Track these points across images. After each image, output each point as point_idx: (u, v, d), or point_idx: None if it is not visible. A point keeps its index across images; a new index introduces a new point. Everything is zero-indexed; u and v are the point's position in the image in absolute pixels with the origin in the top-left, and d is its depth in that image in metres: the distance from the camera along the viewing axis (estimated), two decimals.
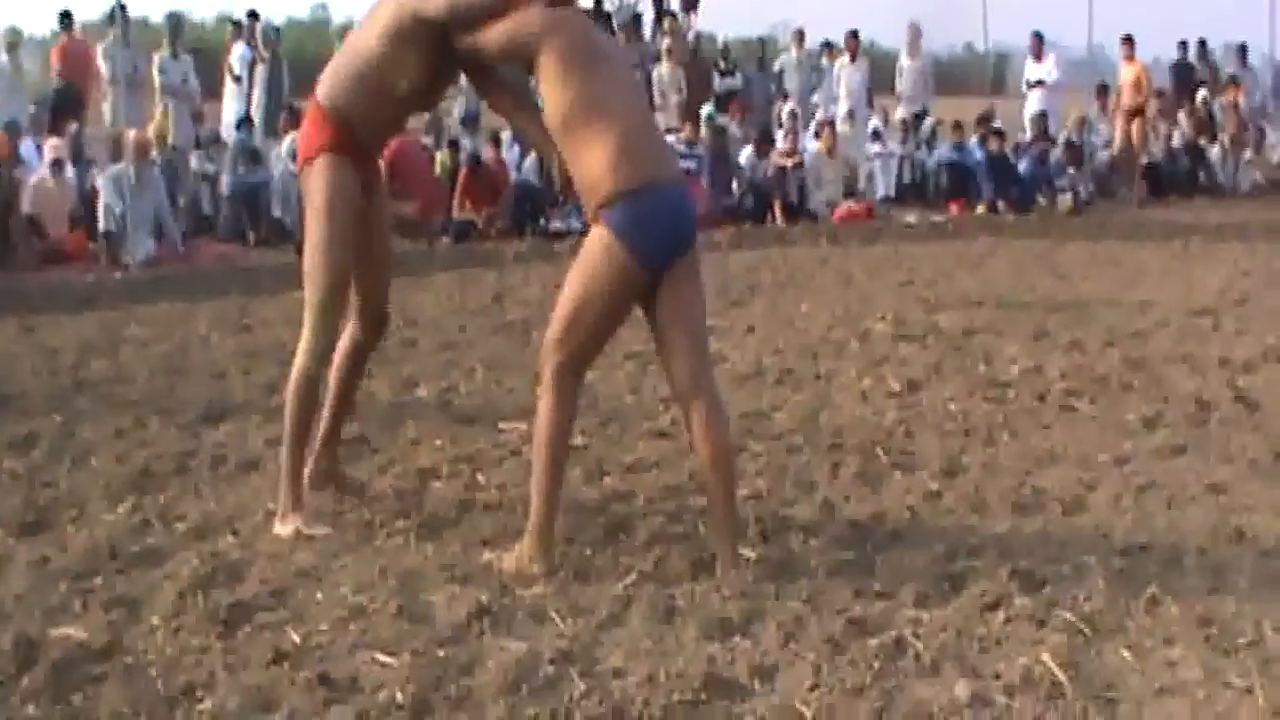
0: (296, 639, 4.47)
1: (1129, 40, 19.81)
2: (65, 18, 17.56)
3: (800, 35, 20.98)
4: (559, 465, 5.07)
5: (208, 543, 5.38)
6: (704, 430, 5.01)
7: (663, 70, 18.85)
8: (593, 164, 4.89)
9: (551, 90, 4.92)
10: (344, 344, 5.83)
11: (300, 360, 5.45)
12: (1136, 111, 19.03)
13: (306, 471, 5.89)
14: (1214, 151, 20.20)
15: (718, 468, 5.04)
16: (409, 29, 5.16)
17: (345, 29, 17.98)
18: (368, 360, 6.04)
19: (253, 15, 18.75)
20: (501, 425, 7.13)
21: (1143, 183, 18.83)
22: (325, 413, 5.91)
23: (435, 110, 15.71)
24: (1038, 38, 20.33)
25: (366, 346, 5.88)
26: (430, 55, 5.23)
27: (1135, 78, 19.18)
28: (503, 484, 6.14)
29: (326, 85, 5.42)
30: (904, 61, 20.70)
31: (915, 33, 20.67)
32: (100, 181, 13.09)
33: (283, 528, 5.46)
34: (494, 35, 5.04)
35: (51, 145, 13.93)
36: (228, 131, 16.54)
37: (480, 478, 6.27)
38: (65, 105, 16.61)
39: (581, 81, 4.90)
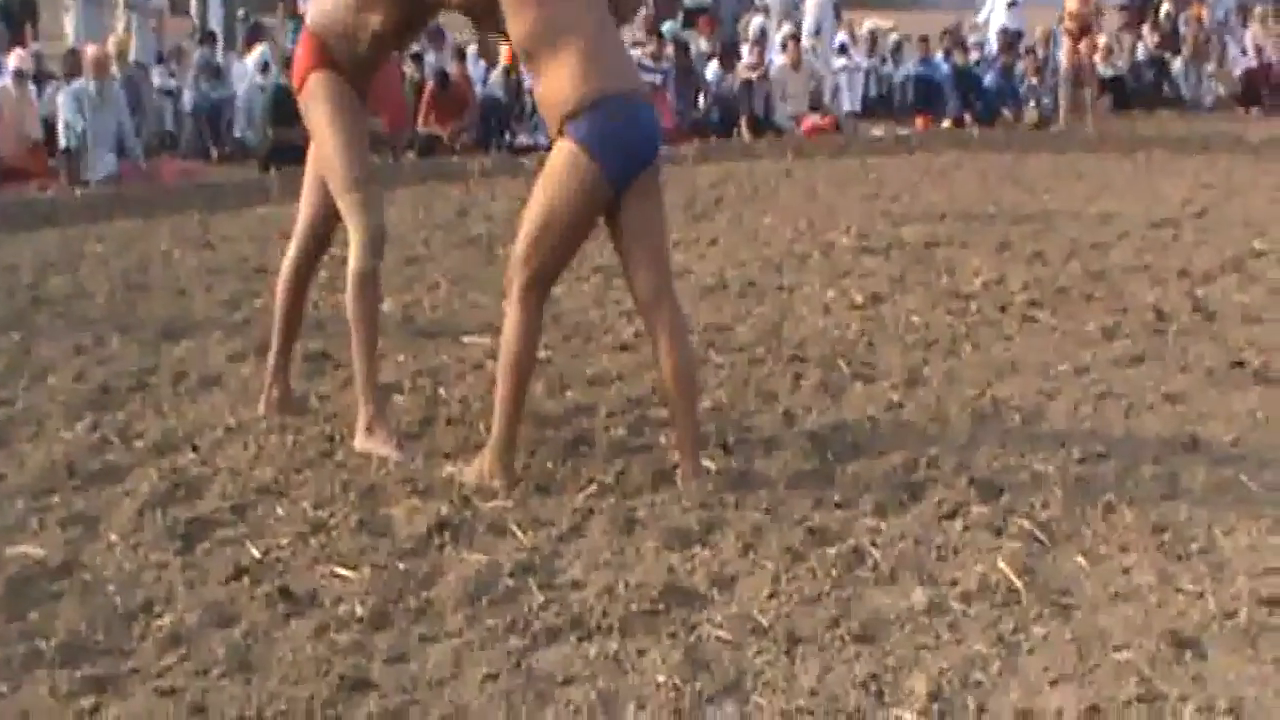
0: (256, 554, 4.46)
1: None
2: None
3: None
4: (523, 380, 5.05)
5: (167, 459, 5.34)
6: (667, 343, 5.00)
7: None
8: (556, 81, 4.86)
9: (513, 15, 4.90)
10: (285, 268, 5.81)
11: (353, 264, 5.40)
12: (1084, 30, 17.86)
13: (262, 400, 5.90)
14: (1177, 65, 20.16)
15: (680, 380, 5.03)
16: None
17: None
18: (310, 282, 5.99)
19: None
20: (465, 339, 7.10)
21: (1101, 101, 18.36)
22: (276, 338, 5.88)
23: None
24: None
25: (309, 268, 5.84)
26: (392, 6, 5.28)
27: None
28: (465, 398, 6.12)
29: (313, 13, 5.50)
30: None
31: None
32: (60, 98, 12.90)
33: (366, 442, 5.42)
34: None
35: (16, 55, 13.68)
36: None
37: (442, 392, 6.25)
38: (18, 12, 16.43)
39: (540, 2, 4.86)
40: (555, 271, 5.10)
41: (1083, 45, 17.65)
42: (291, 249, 5.79)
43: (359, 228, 5.37)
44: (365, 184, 5.39)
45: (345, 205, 5.38)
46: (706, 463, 5.16)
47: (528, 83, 15.49)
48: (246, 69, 15.42)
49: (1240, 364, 6.69)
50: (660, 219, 5.11)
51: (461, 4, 5.23)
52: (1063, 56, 18.01)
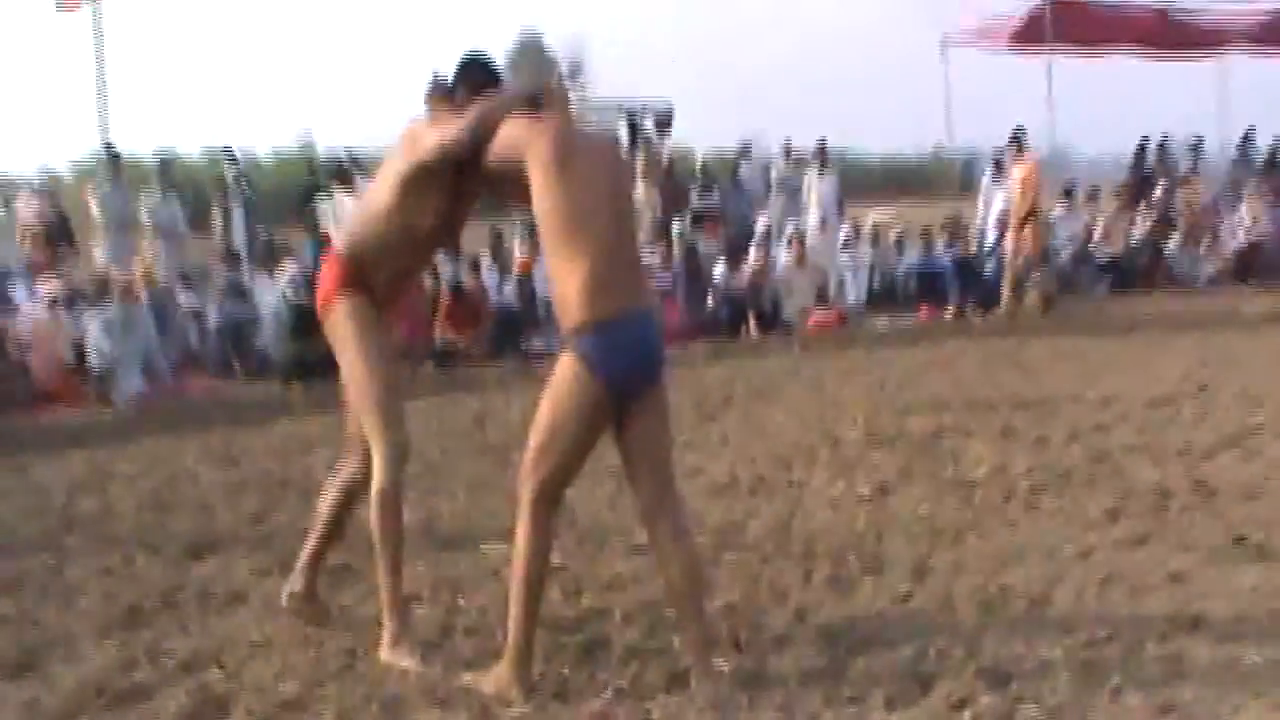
0: None
1: (1017, 139, 18.45)
2: None
3: (789, 149, 21.26)
4: (537, 590, 5.08)
5: (194, 677, 5.38)
6: (671, 548, 5.08)
7: (638, 190, 19.00)
8: (567, 286, 4.94)
9: (537, 195, 5.00)
10: (340, 480, 5.87)
11: (378, 479, 5.47)
12: (1029, 215, 17.56)
13: (284, 597, 5.96)
14: (1172, 244, 20.39)
15: (686, 584, 5.09)
16: (416, 177, 5.39)
17: (334, 159, 18.12)
18: (359, 500, 6.05)
19: (228, 153, 18.91)
20: (483, 547, 7.15)
21: (1038, 295, 17.73)
22: (311, 543, 5.95)
23: None
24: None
25: (361, 487, 5.88)
26: (439, 196, 5.45)
27: (1026, 176, 17.61)
28: (484, 606, 6.14)
29: (345, 237, 5.69)
30: (812, 175, 20.62)
31: (822, 149, 20.76)
32: (90, 323, 13.16)
33: (391, 655, 5.47)
34: (489, 155, 5.20)
35: (49, 284, 13.98)
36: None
37: (462, 600, 6.29)
38: (52, 228, 16.81)
39: (562, 189, 4.95)
40: (564, 482, 5.14)
41: (1027, 231, 17.48)
42: (349, 467, 5.84)
43: (382, 445, 5.46)
44: (389, 403, 5.49)
45: (369, 423, 5.49)
46: (719, 662, 5.19)
47: (541, 291, 15.74)
48: (270, 286, 15.69)
49: (1242, 540, 6.73)
50: (665, 432, 5.18)
51: (497, 174, 5.33)
52: (1007, 244, 17.84)
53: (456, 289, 15.52)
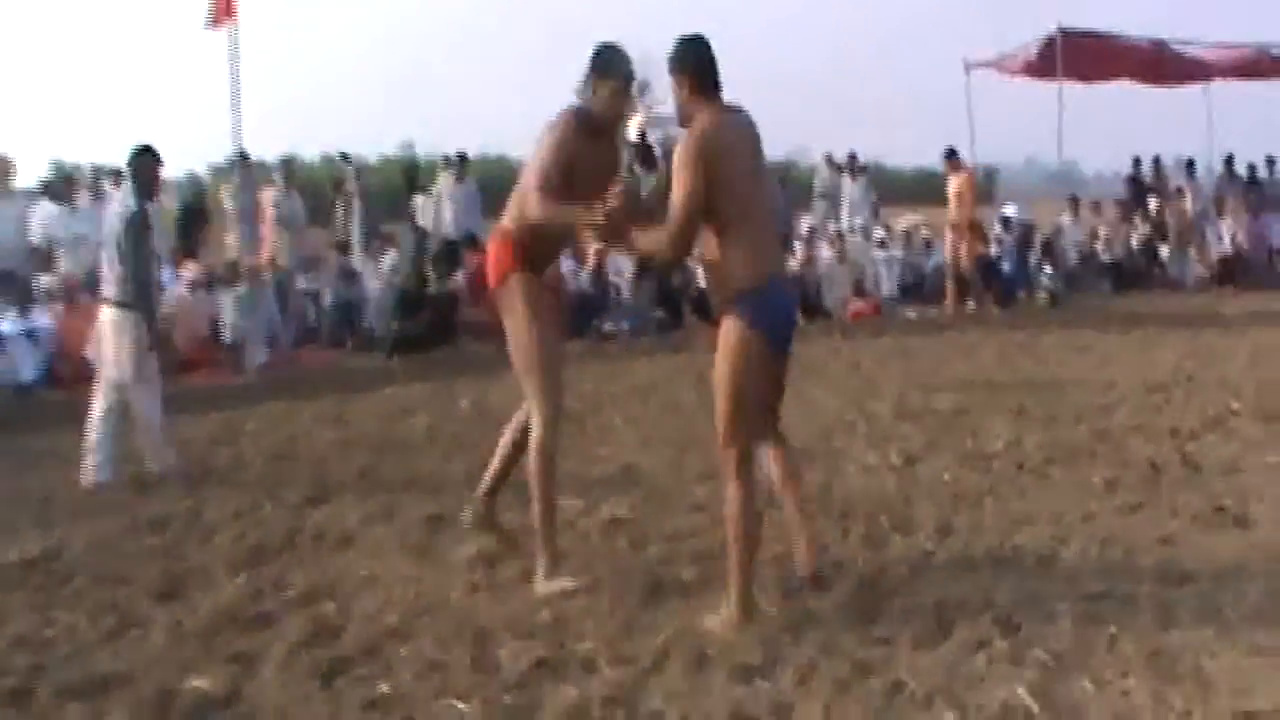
0: (386, 689, 4.54)
1: (953, 154, 17.71)
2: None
3: (829, 159, 21.27)
4: (752, 540, 5.08)
5: (311, 607, 5.45)
6: (780, 462, 5.49)
7: None
8: (733, 261, 5.03)
9: (713, 200, 4.96)
10: (517, 420, 5.93)
11: (536, 438, 5.56)
12: (962, 223, 17.16)
13: (466, 514, 6.09)
14: (1165, 251, 20.21)
15: (791, 480, 5.47)
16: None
17: (431, 163, 18.19)
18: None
19: (344, 157, 18.95)
20: (561, 502, 7.13)
21: (969, 293, 17.30)
22: (494, 468, 6.06)
23: None
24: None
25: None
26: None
27: (958, 189, 17.16)
28: (564, 552, 6.12)
29: (510, 212, 5.69)
30: (846, 181, 20.83)
31: (853, 158, 20.82)
32: (224, 301, 13.28)
33: (549, 584, 5.50)
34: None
35: (190, 267, 14.10)
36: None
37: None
38: (193, 220, 16.94)
39: (731, 194, 4.97)
40: (755, 436, 5.22)
41: (963, 241, 17.12)
42: (523, 412, 5.88)
43: (542, 406, 5.57)
44: (552, 370, 5.59)
45: (531, 386, 5.59)
46: (766, 607, 5.19)
47: (612, 277, 15.67)
48: (375, 271, 15.77)
49: (1222, 509, 6.67)
50: (782, 387, 5.45)
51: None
52: (946, 251, 17.50)
53: None
